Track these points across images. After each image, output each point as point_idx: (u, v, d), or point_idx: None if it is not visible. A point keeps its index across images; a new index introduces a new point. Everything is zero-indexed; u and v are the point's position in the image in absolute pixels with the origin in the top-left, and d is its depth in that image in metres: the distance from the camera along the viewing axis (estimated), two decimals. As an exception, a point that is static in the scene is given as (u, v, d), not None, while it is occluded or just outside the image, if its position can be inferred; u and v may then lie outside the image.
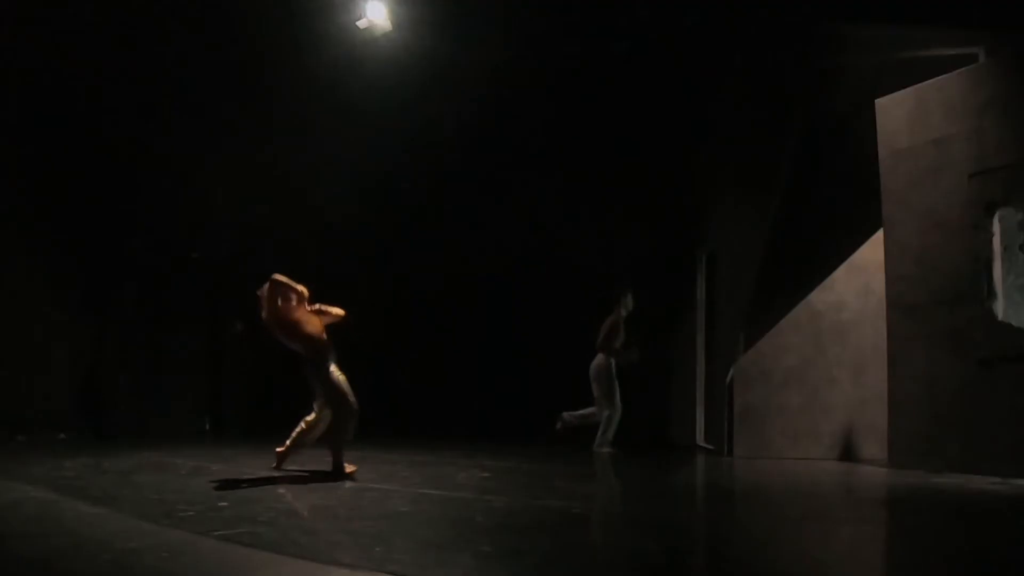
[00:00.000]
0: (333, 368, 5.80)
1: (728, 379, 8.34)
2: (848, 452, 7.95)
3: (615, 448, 8.57)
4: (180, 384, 10.69)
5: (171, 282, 10.75)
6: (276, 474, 5.74)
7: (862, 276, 8.06)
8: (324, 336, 5.85)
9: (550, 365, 10.16)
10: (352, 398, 5.78)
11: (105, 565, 2.99)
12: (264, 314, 5.75)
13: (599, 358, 8.66)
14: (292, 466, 6.04)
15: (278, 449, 5.90)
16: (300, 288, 5.81)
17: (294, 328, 5.78)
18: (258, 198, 10.66)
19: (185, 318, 10.92)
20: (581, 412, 8.74)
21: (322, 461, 5.97)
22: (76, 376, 9.89)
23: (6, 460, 6.68)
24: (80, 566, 2.98)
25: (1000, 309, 6.26)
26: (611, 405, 8.57)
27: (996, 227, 6.34)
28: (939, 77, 6.84)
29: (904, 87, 7.07)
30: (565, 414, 8.76)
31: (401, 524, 3.97)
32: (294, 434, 5.90)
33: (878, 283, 7.53)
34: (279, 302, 5.72)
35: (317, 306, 5.87)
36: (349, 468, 5.81)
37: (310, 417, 5.90)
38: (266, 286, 5.77)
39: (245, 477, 5.58)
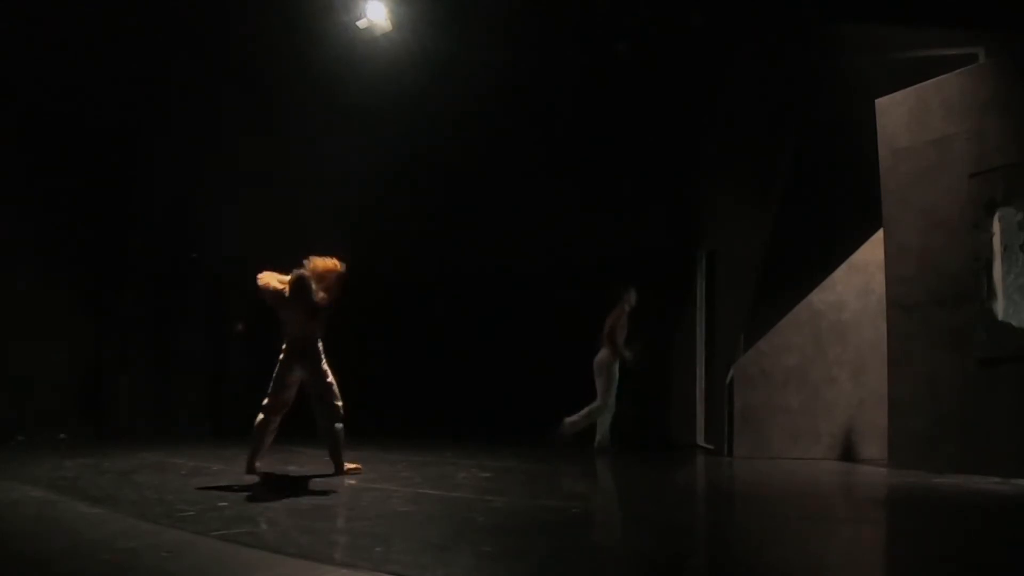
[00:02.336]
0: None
1: (728, 379, 8.34)
2: (848, 452, 7.95)
3: (612, 447, 8.58)
4: (180, 385, 10.69)
5: (171, 282, 10.74)
6: (276, 475, 5.73)
7: (862, 276, 8.06)
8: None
9: (551, 364, 10.15)
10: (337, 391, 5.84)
11: (105, 565, 2.99)
12: (328, 297, 5.77)
13: (603, 352, 8.68)
14: (291, 466, 6.05)
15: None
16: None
17: (322, 317, 5.84)
18: (258, 198, 10.66)
19: (185, 318, 10.92)
20: (582, 413, 8.74)
21: (322, 461, 5.98)
22: (76, 376, 9.88)
23: (6, 460, 6.68)
24: (80, 566, 2.98)
25: (1000, 309, 6.26)
26: (604, 398, 8.58)
27: (996, 227, 6.33)
28: (939, 77, 6.83)
29: (904, 87, 7.06)
30: (566, 420, 8.75)
31: (401, 524, 3.97)
32: (255, 435, 5.81)
33: (878, 283, 7.53)
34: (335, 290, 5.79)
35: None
36: (352, 466, 5.81)
37: (260, 418, 5.80)
38: (331, 267, 5.78)
39: (244, 477, 5.57)
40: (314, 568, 2.99)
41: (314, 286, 5.72)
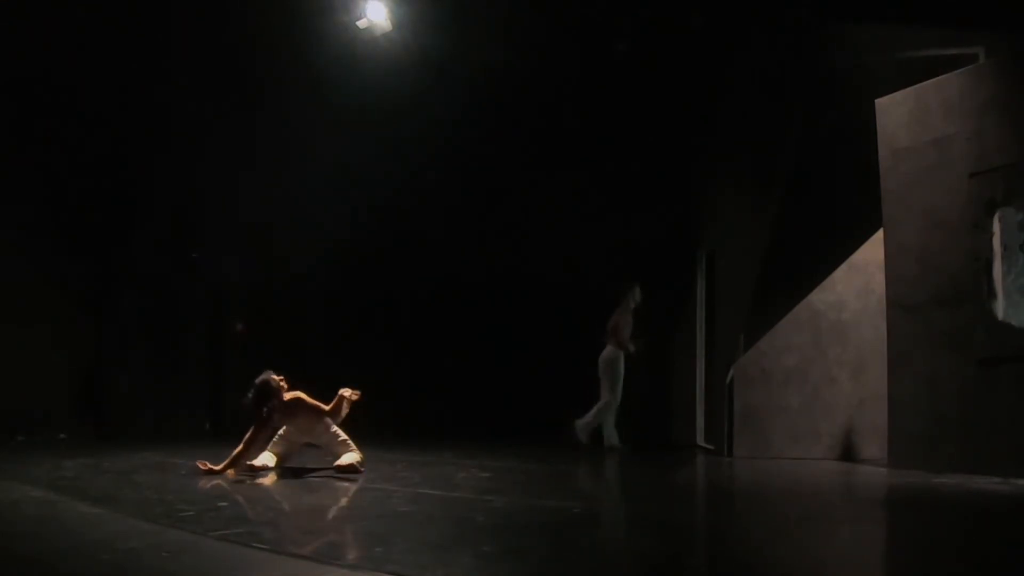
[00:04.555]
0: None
1: (728, 379, 8.34)
2: (848, 452, 7.95)
3: (621, 444, 8.62)
4: (180, 384, 10.69)
5: (171, 282, 10.74)
6: (276, 474, 5.73)
7: (862, 276, 8.06)
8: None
9: (551, 365, 10.16)
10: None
11: (105, 565, 2.99)
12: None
13: (608, 350, 8.73)
14: (293, 464, 6.04)
15: (216, 467, 5.70)
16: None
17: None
18: (258, 198, 10.66)
19: (185, 318, 10.92)
20: (591, 413, 8.77)
21: (322, 460, 5.98)
22: (76, 376, 9.88)
23: (6, 460, 6.68)
24: (80, 566, 2.98)
25: (1000, 309, 6.25)
26: (612, 394, 8.64)
27: (996, 227, 6.33)
28: (939, 77, 6.82)
29: (904, 87, 7.06)
30: (577, 422, 8.76)
31: (401, 524, 3.96)
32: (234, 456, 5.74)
33: (878, 283, 7.52)
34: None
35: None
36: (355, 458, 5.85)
37: (260, 460, 5.80)
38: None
39: (245, 477, 5.57)
40: (314, 568, 2.99)
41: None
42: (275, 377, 5.82)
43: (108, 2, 8.36)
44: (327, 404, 5.87)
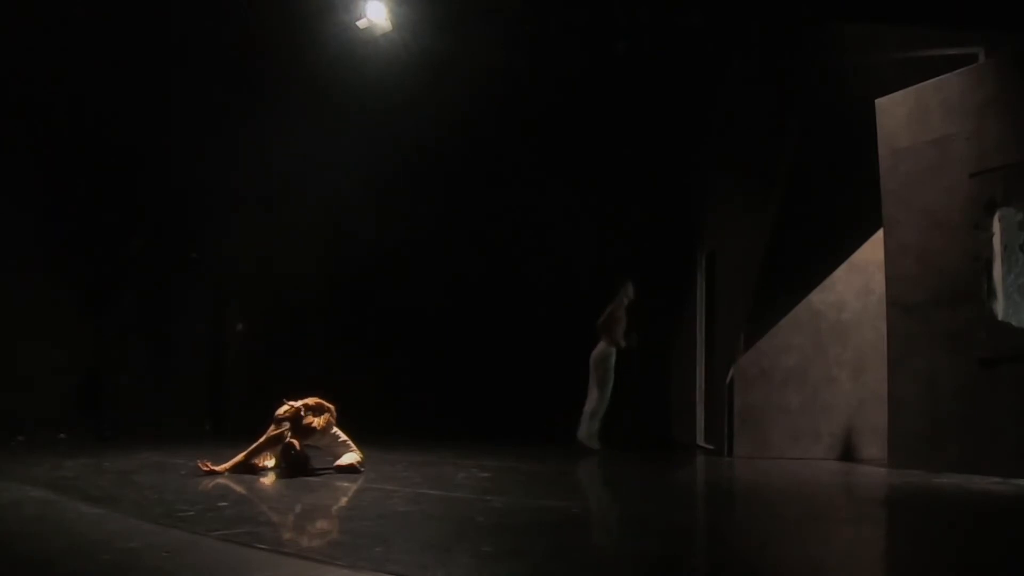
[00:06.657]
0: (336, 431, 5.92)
1: (728, 379, 8.34)
2: (848, 452, 7.95)
3: (603, 443, 8.59)
4: (180, 384, 10.69)
5: (171, 282, 10.75)
6: (276, 475, 5.73)
7: (862, 276, 8.07)
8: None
9: (550, 364, 10.16)
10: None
11: (105, 565, 2.99)
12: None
13: (600, 347, 8.71)
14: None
15: (223, 466, 5.67)
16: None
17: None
18: (258, 198, 10.67)
19: (185, 318, 10.92)
20: (584, 420, 8.74)
21: (323, 460, 5.98)
22: (76, 376, 9.88)
23: (6, 460, 6.67)
24: (80, 566, 2.98)
25: (1000, 309, 6.26)
26: (601, 394, 8.57)
27: (996, 227, 6.34)
28: (939, 77, 6.83)
29: (904, 87, 7.07)
30: (578, 435, 8.72)
31: (401, 524, 3.96)
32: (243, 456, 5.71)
33: (878, 283, 7.53)
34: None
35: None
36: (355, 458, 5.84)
37: (267, 461, 5.81)
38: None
39: (245, 477, 5.57)
40: (314, 568, 2.99)
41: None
42: (293, 440, 5.66)
43: (108, 2, 8.36)
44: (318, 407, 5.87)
